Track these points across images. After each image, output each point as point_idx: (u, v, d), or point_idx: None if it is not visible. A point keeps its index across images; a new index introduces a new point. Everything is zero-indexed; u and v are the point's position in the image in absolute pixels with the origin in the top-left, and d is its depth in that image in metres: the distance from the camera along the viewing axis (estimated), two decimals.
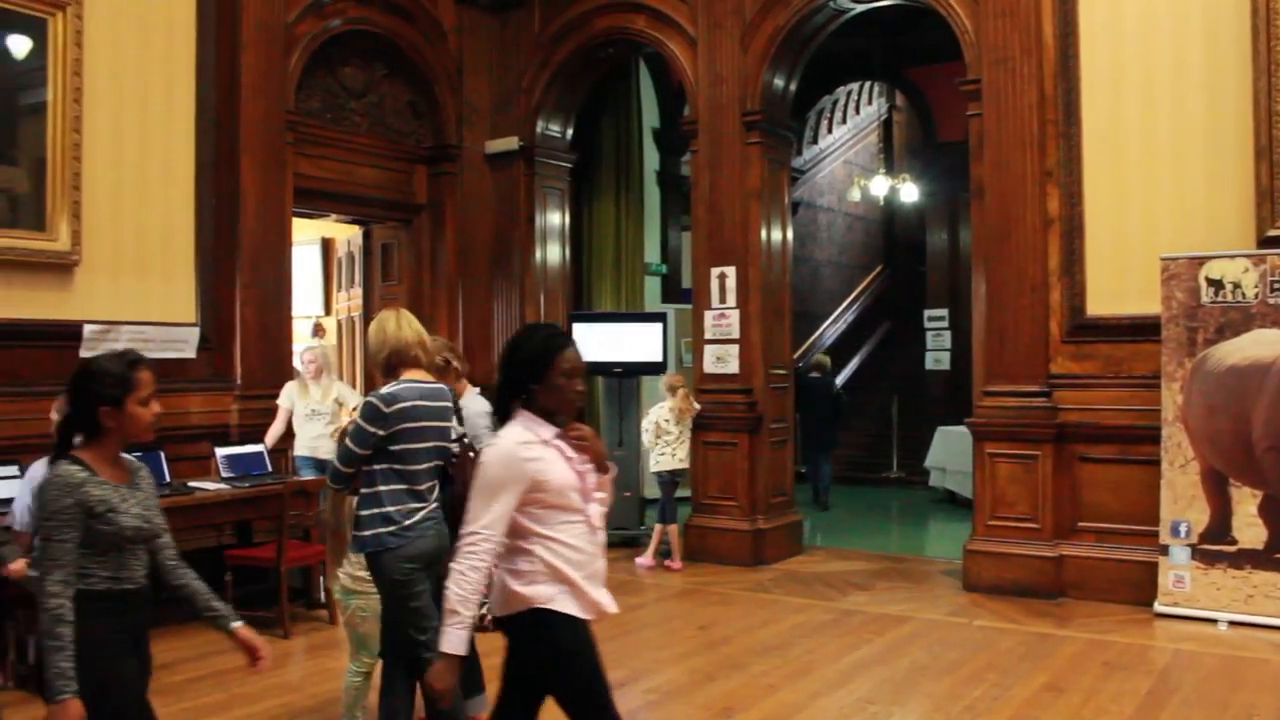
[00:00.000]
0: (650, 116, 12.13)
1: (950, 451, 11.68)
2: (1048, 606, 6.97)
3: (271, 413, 7.62)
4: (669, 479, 8.58)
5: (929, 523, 11.41)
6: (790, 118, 9.28)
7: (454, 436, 4.22)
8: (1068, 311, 7.29)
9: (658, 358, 9.32)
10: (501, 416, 3.10)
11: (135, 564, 2.94)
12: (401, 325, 4.11)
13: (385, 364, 4.09)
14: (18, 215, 6.51)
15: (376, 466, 3.94)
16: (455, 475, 4.18)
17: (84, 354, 6.73)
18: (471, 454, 4.32)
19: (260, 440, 7.41)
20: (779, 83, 8.86)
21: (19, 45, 6.53)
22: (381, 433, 3.90)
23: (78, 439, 2.93)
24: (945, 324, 14.93)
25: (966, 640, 6.04)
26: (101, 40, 6.91)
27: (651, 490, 9.30)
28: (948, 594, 7.47)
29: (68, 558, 2.76)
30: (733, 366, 8.73)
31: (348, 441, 3.97)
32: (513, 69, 9.96)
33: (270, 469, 7.24)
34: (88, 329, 6.76)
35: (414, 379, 4.05)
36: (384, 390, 3.98)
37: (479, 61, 9.91)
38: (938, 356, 15.16)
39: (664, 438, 8.54)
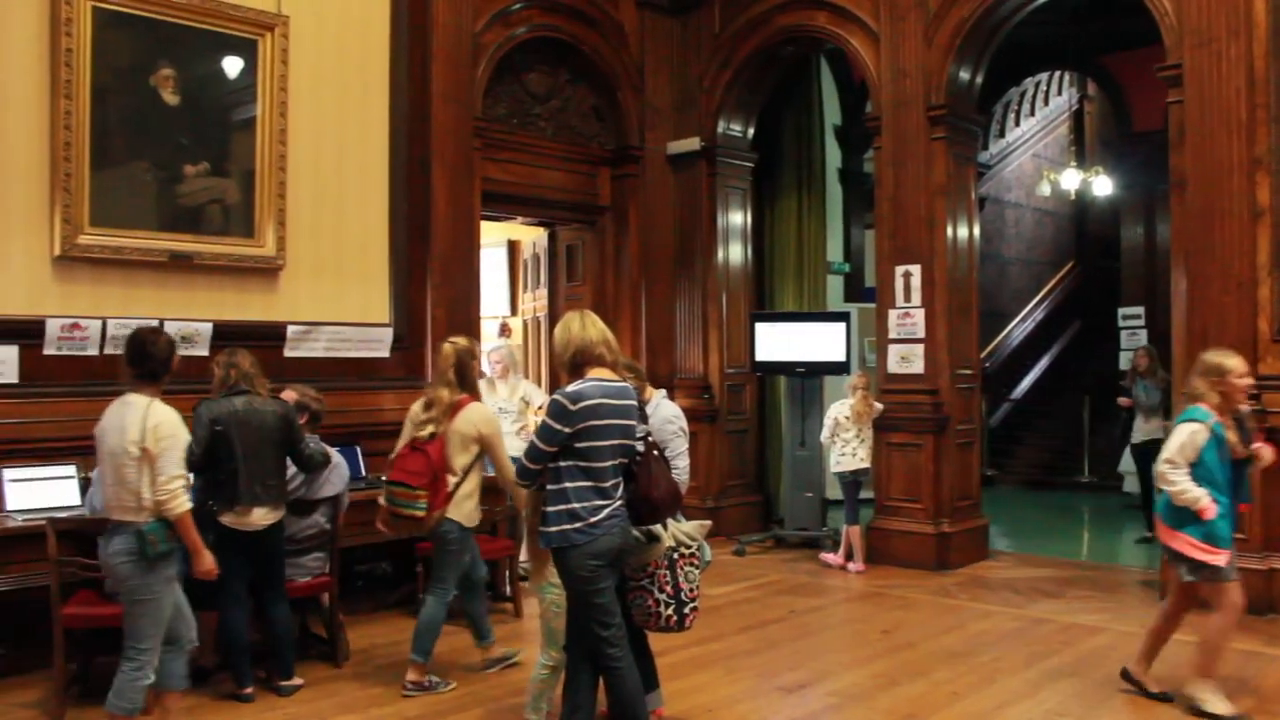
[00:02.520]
0: (832, 113, 11.99)
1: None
2: (1256, 623, 6.55)
3: None
4: (850, 479, 8.48)
5: (1122, 530, 10.90)
6: (976, 111, 9.04)
7: (638, 435, 4.27)
8: (1279, 309, 6.87)
9: (841, 357, 9.21)
10: None
11: None
12: (586, 325, 4.19)
13: (570, 363, 4.17)
14: (230, 224, 6.93)
15: (562, 464, 4.03)
16: (639, 474, 4.23)
17: (287, 353, 7.11)
18: (656, 453, 4.36)
19: None
20: (964, 75, 8.65)
21: (232, 66, 6.94)
22: (568, 430, 3.98)
23: None
24: (1141, 322, 14.22)
25: (1165, 655, 5.75)
26: (304, 57, 7.27)
27: (833, 491, 9.20)
28: (1143, 605, 7.13)
29: None
30: (918, 366, 8.57)
31: (535, 439, 4.08)
32: (693, 70, 10.02)
33: None
34: (291, 329, 7.14)
35: (599, 377, 4.12)
36: (569, 388, 4.06)
37: (660, 63, 10.01)
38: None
39: (842, 435, 8.45)
